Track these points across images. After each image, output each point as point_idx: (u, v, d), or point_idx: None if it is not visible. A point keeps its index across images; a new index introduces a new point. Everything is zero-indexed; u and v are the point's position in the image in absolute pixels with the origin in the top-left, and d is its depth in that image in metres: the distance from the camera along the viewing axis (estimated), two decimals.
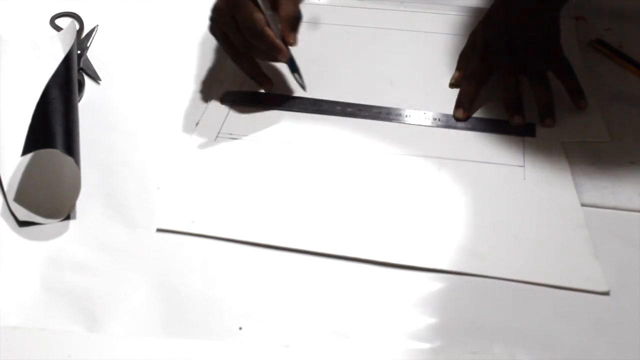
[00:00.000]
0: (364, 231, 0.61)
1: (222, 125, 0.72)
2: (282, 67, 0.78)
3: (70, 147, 0.62)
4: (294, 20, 0.72)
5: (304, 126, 0.72)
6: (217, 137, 0.71)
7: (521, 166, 0.67)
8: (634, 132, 0.72)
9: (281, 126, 0.72)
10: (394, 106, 0.74)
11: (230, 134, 0.71)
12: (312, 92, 0.76)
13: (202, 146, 0.70)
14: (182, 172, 0.67)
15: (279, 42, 0.71)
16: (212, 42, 0.84)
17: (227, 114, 0.74)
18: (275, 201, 0.64)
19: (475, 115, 0.73)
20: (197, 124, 0.72)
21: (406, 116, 0.73)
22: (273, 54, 0.71)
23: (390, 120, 0.73)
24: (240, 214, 0.62)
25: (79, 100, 0.73)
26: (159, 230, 0.61)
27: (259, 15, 0.69)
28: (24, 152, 0.62)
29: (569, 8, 0.89)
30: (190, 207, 0.63)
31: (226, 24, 0.71)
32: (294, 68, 0.74)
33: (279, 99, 0.75)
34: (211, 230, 0.61)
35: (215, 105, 0.75)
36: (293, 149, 0.69)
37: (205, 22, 0.73)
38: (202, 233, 0.61)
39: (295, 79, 0.75)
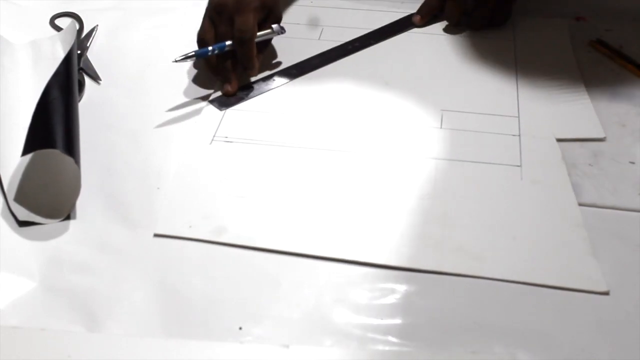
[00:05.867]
0: (360, 234, 0.61)
1: (217, 128, 0.72)
2: None
3: (71, 147, 0.62)
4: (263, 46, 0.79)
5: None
6: (212, 140, 0.71)
7: (518, 166, 0.67)
8: (634, 132, 0.72)
9: (276, 127, 0.72)
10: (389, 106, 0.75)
11: (226, 137, 0.71)
12: (312, 98, 0.76)
13: (197, 150, 0.69)
14: (178, 177, 0.66)
15: (256, 59, 0.77)
16: None
17: (222, 118, 0.73)
18: (271, 204, 0.64)
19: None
20: (193, 127, 0.72)
21: None
22: (247, 65, 0.76)
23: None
24: (237, 218, 0.62)
25: (79, 100, 0.73)
26: (156, 235, 0.61)
27: (255, 28, 0.76)
28: (24, 152, 0.62)
29: (570, 8, 0.90)
30: (187, 211, 0.63)
31: (223, 20, 0.76)
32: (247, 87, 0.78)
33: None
34: (209, 235, 0.61)
35: (210, 109, 0.75)
36: (288, 151, 0.69)
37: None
38: (199, 238, 0.60)
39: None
